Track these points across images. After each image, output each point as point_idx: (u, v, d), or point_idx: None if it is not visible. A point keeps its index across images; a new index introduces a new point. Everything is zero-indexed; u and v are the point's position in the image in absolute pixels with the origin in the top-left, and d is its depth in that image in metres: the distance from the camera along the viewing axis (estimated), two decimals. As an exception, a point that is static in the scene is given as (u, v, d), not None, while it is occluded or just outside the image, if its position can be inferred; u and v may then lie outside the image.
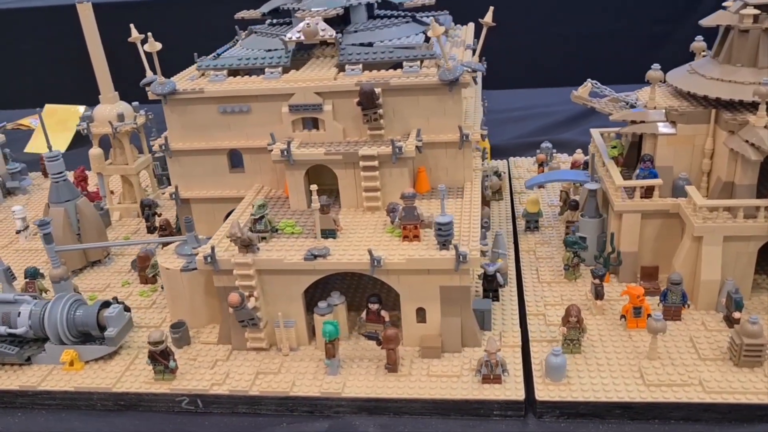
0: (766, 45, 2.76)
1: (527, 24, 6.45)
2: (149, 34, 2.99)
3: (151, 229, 3.67)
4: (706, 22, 2.90)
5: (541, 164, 4.04)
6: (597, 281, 2.76)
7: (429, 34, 2.80)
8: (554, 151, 4.16)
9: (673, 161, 2.92)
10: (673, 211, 2.87)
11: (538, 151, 4.15)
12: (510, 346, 2.64)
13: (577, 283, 3.01)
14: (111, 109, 3.75)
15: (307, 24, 3.05)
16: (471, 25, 4.06)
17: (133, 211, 3.88)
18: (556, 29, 6.58)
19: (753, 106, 2.72)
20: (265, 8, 3.50)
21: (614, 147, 3.09)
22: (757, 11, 2.76)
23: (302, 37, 3.08)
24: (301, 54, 3.32)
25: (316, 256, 2.55)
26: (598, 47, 6.51)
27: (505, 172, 4.05)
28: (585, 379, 2.44)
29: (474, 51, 3.38)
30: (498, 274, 2.88)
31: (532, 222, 3.46)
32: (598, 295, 2.78)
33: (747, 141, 2.63)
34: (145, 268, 3.18)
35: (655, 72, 2.88)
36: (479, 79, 3.86)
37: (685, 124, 2.86)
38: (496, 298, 2.92)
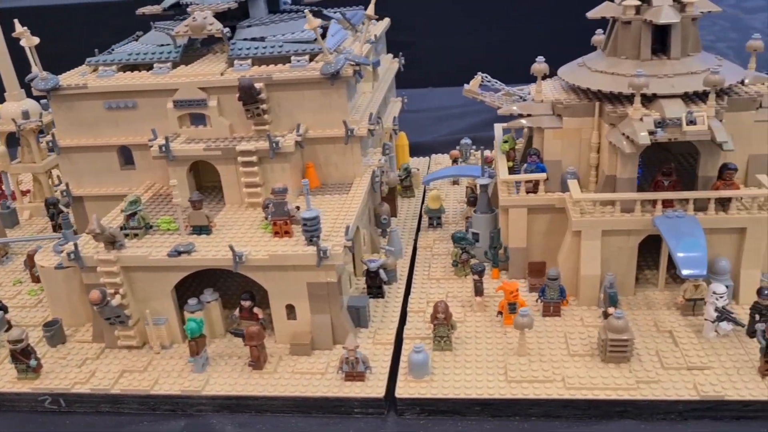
0: (647, 37, 2.72)
1: (470, 23, 6.46)
2: (26, 28, 2.95)
3: (56, 228, 3.63)
4: (592, 14, 2.85)
5: (455, 161, 3.99)
6: (476, 277, 2.72)
7: (306, 26, 2.76)
8: (473, 147, 4.11)
9: (561, 155, 2.88)
10: (560, 206, 2.82)
11: (458, 147, 4.11)
12: (382, 343, 2.59)
13: (466, 279, 2.97)
14: (17, 106, 3.71)
15: (194, 18, 3.01)
16: (387, 20, 4.03)
17: (43, 210, 3.84)
18: (498, 28, 6.58)
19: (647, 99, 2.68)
20: (166, 3, 3.46)
21: (506, 141, 3.05)
22: (638, 2, 2.72)
23: (189, 32, 3.04)
24: (201, 49, 3.29)
25: (180, 253, 2.51)
26: (540, 45, 6.47)
27: (418, 169, 4.00)
28: (449, 376, 2.39)
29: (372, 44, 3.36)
30: (381, 271, 2.84)
31: (435, 218, 3.42)
32: (478, 291, 2.73)
33: (623, 134, 2.59)
34: (33, 267, 3.14)
35: (539, 65, 2.83)
36: (389, 75, 3.84)
37: (571, 117, 2.82)
38: (380, 295, 2.88)
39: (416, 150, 4.45)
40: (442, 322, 2.47)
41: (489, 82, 3.06)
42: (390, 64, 3.99)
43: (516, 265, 2.93)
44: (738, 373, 2.30)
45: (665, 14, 2.64)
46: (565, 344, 2.52)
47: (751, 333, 2.42)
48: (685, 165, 2.90)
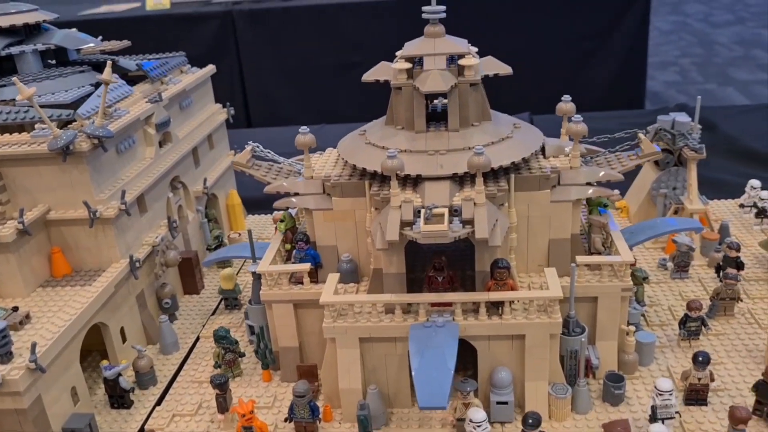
0: (420, 105, 2.32)
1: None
2: None
3: None
4: (367, 77, 2.45)
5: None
6: (218, 391, 2.30)
7: (19, 97, 2.36)
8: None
9: (336, 240, 2.48)
10: (333, 301, 2.42)
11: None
12: (97, 476, 2.19)
13: (237, 382, 2.56)
14: None
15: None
16: (209, 68, 3.64)
17: None
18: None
19: (412, 180, 2.28)
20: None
21: (282, 221, 2.64)
22: (409, 65, 2.32)
23: None
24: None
25: None
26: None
27: (240, 234, 3.58)
28: None
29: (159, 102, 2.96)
30: (121, 378, 2.42)
31: (231, 300, 3.01)
32: (220, 408, 2.31)
33: (380, 223, 2.19)
34: None
35: (303, 136, 2.43)
36: (203, 131, 3.44)
37: (341, 197, 2.42)
38: (124, 405, 2.46)
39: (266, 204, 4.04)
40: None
41: (262, 152, 2.66)
42: (212, 116, 3.59)
43: (287, 366, 2.52)
44: None
45: (432, 81, 2.24)
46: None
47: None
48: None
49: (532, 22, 6.65)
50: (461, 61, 2.30)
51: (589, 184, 2.38)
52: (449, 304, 2.21)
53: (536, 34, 6.67)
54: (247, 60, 6.84)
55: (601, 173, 2.40)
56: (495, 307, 2.21)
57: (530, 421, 2.00)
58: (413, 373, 1.99)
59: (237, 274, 3.17)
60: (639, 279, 2.73)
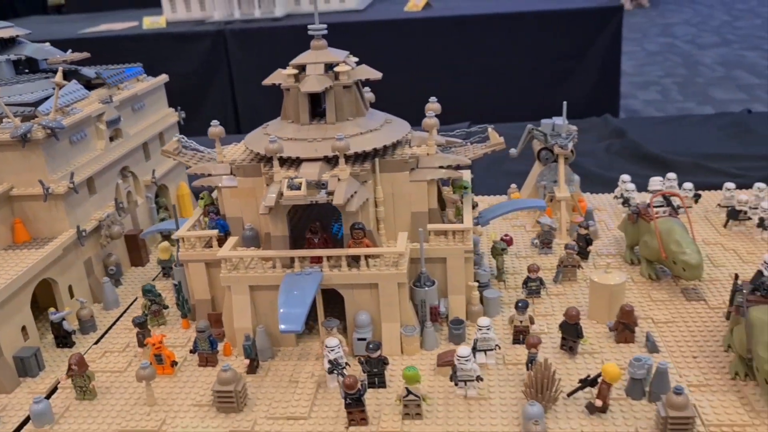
0: (304, 103, 2.91)
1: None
2: None
3: None
4: (266, 81, 3.04)
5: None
6: (138, 329, 2.89)
7: None
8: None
9: (241, 212, 3.06)
10: (234, 260, 3.00)
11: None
12: (36, 392, 2.74)
13: (161, 329, 3.13)
14: None
15: None
16: (162, 77, 4.25)
17: None
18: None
19: (296, 162, 2.87)
20: None
21: (202, 198, 3.23)
22: (295, 71, 2.93)
23: None
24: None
25: None
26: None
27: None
28: (80, 424, 2.54)
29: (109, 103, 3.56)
30: (64, 322, 3.00)
31: (167, 269, 3.59)
32: (139, 342, 2.89)
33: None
34: None
35: (214, 128, 3.02)
36: (154, 130, 4.03)
37: (244, 177, 3.00)
38: (67, 345, 3.04)
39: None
40: (77, 373, 2.63)
41: (188, 144, 3.25)
42: (164, 118, 4.20)
43: (201, 315, 3.09)
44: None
45: (309, 84, 2.84)
46: (204, 395, 2.66)
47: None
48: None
49: (513, 44, 7.30)
50: (336, 68, 2.90)
51: (441, 167, 2.96)
52: (320, 259, 2.79)
53: (517, 55, 7.30)
54: (238, 75, 7.45)
55: (452, 159, 2.98)
56: (355, 261, 2.78)
57: (371, 346, 2.56)
58: (279, 305, 2.56)
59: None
60: (498, 250, 3.30)
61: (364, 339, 2.77)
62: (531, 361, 2.55)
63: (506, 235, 3.67)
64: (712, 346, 2.75)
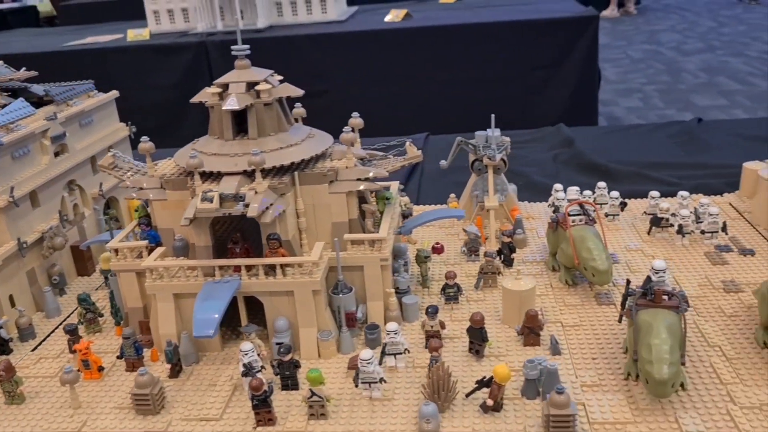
0: (227, 119, 3.06)
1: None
2: None
3: None
4: (193, 99, 3.19)
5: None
6: (68, 336, 3.03)
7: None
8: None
9: (171, 224, 3.20)
10: (164, 270, 3.14)
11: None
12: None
13: (96, 337, 3.27)
14: None
15: None
16: (112, 92, 4.40)
17: None
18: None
19: (218, 176, 3.01)
20: None
21: (137, 210, 3.37)
22: (219, 90, 3.08)
23: None
24: None
25: None
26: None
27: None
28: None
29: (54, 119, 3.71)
30: (2, 330, 3.14)
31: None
32: (70, 349, 3.03)
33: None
34: None
35: (144, 144, 3.16)
36: (100, 145, 4.18)
37: (172, 190, 3.14)
38: (5, 352, 3.17)
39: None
40: (5, 378, 2.77)
41: (122, 158, 3.39)
42: (113, 132, 4.35)
43: (134, 322, 3.23)
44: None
45: (229, 102, 2.99)
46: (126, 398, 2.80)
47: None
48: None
49: (491, 54, 7.55)
50: (257, 87, 3.05)
51: (359, 180, 3.11)
52: (240, 268, 2.93)
53: (495, 64, 7.55)
54: (220, 86, 7.60)
55: (370, 172, 3.12)
56: (272, 269, 2.92)
57: (281, 349, 2.70)
58: (194, 312, 2.71)
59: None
60: (422, 258, 3.44)
61: (281, 343, 2.90)
62: (432, 363, 2.69)
63: (437, 243, 3.82)
64: (613, 348, 2.89)
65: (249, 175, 2.96)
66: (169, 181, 3.12)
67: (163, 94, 7.90)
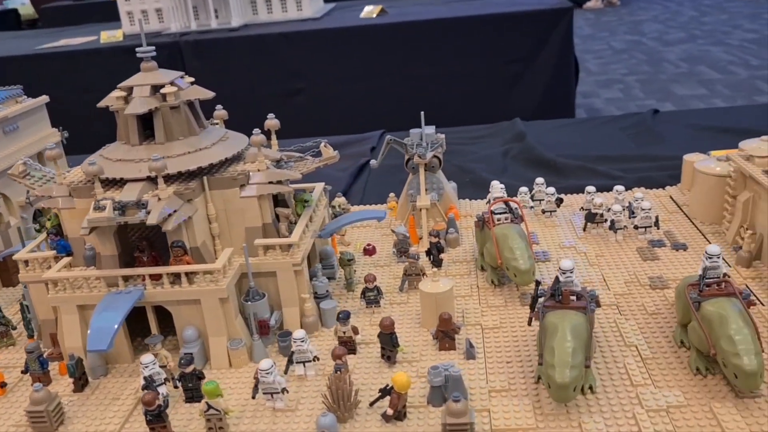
0: (133, 124, 2.97)
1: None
2: None
3: None
4: (100, 104, 3.10)
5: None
6: (-29, 350, 2.95)
7: None
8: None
9: (81, 233, 3.12)
10: (75, 281, 3.06)
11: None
12: None
13: (9, 350, 3.19)
14: None
15: None
16: (42, 98, 4.31)
17: None
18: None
19: (122, 183, 2.92)
20: None
21: (49, 219, 3.29)
22: (124, 93, 2.99)
23: None
24: None
25: None
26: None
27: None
28: None
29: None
30: None
31: (31, 288, 3.64)
32: (-27, 363, 2.96)
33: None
34: None
35: (51, 151, 3.07)
36: (29, 151, 4.09)
37: (79, 198, 3.05)
38: None
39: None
40: None
41: (33, 166, 3.30)
42: (43, 138, 4.25)
43: (46, 334, 3.15)
44: None
45: (131, 106, 2.91)
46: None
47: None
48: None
49: (466, 48, 7.54)
50: (163, 90, 2.96)
51: (271, 183, 3.02)
52: (156, 278, 2.85)
53: (471, 58, 7.54)
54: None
55: (282, 174, 3.04)
56: (178, 278, 2.84)
57: (182, 360, 2.62)
58: (89, 325, 2.62)
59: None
60: (345, 261, 3.36)
61: (190, 353, 2.82)
62: (336, 371, 2.62)
63: (369, 245, 3.75)
64: (530, 351, 2.81)
65: (154, 181, 2.87)
66: (77, 188, 3.03)
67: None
